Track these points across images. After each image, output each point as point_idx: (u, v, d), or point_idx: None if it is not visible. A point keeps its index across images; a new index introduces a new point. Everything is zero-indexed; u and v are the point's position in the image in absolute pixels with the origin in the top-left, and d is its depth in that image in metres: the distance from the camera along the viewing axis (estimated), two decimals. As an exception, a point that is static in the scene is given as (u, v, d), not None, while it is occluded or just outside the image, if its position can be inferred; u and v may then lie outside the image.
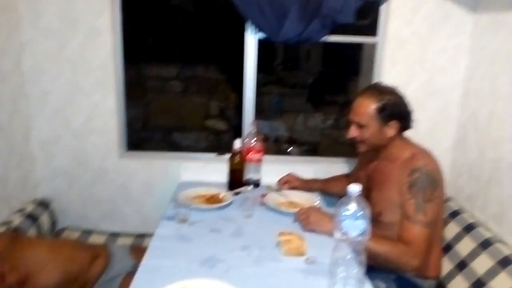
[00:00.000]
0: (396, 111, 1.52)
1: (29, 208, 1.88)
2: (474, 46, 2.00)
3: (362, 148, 1.62)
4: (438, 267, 1.64)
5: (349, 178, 1.92)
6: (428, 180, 1.47)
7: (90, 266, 1.61)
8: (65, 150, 2.10)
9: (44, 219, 1.92)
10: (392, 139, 1.56)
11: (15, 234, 1.66)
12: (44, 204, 1.97)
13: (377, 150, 1.62)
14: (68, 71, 2.00)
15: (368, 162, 1.70)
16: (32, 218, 1.83)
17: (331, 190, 1.95)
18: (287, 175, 1.96)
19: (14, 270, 1.41)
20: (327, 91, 3.76)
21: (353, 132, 1.59)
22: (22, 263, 1.46)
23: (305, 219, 1.55)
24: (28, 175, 2.03)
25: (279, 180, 1.95)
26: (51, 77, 2.00)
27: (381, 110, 1.51)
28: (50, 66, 1.99)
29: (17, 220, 1.74)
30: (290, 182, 1.93)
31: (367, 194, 1.62)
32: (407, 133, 2.14)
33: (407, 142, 1.60)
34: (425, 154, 1.55)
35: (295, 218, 1.62)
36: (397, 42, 2.02)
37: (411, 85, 2.07)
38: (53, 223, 2.01)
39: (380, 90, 1.55)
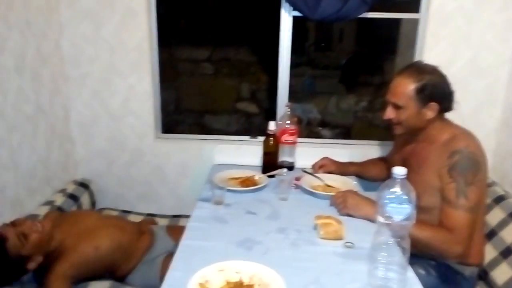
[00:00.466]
0: (436, 92, 1.44)
1: (70, 188, 1.94)
2: (525, 21, 1.86)
3: (398, 131, 1.55)
4: (481, 254, 1.58)
5: (386, 161, 1.86)
6: (470, 163, 1.38)
7: (137, 240, 1.66)
8: (103, 132, 2.14)
9: (85, 199, 1.98)
10: (431, 121, 1.48)
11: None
12: (84, 185, 2.03)
13: (414, 133, 1.55)
14: (105, 52, 2.03)
15: (404, 144, 1.63)
16: (74, 198, 1.90)
17: (368, 174, 1.90)
18: (322, 159, 1.92)
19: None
20: (361, 72, 3.64)
21: (389, 113, 1.52)
22: (74, 227, 1.53)
23: (342, 203, 1.52)
24: (68, 156, 2.09)
25: (314, 165, 1.92)
26: (88, 59, 2.04)
27: (420, 91, 1.43)
28: (87, 47, 2.02)
29: (59, 200, 1.81)
30: (325, 167, 1.89)
31: None
32: (449, 114, 2.06)
33: (448, 123, 1.52)
34: (466, 135, 1.47)
35: (331, 201, 1.59)
36: (440, 17, 1.92)
37: (455, 64, 1.97)
38: (93, 203, 2.07)
39: (420, 70, 1.47)
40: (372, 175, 1.87)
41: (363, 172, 1.91)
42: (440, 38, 1.94)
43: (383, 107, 1.56)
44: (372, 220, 1.38)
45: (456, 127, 1.51)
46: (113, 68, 2.05)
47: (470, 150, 1.40)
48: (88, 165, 2.18)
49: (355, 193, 1.58)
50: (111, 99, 2.09)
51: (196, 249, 1.28)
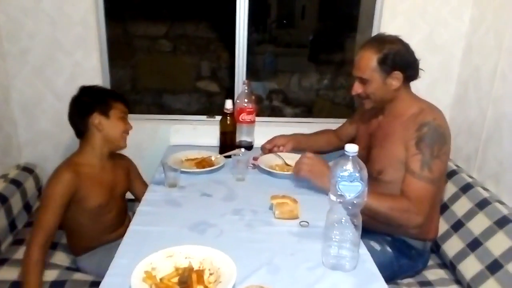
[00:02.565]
0: (399, 60, 1.43)
1: (12, 173, 1.81)
2: (479, -3, 1.88)
3: (368, 105, 1.53)
4: (436, 229, 1.62)
5: (336, 135, 1.85)
6: (437, 135, 1.39)
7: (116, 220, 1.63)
8: (48, 113, 2.00)
9: (29, 184, 1.86)
10: (398, 91, 1.47)
11: None
12: (28, 169, 1.91)
13: (382, 107, 1.54)
14: (47, 26, 1.87)
15: (370, 120, 1.63)
16: (16, 183, 1.77)
17: (318, 145, 1.88)
18: (274, 138, 1.84)
19: None
20: (323, 50, 3.62)
21: (357, 88, 1.50)
22: None
23: (307, 165, 1.47)
24: (10, 139, 1.95)
25: (263, 147, 1.85)
26: (28, 33, 1.88)
27: (382, 61, 1.42)
28: (27, 21, 1.86)
29: (0, 186, 1.68)
30: (277, 143, 1.82)
31: (367, 152, 1.56)
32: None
33: (415, 97, 1.52)
34: (434, 108, 1.48)
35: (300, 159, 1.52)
36: (397, -7, 1.90)
37: (412, 39, 1.91)
38: (39, 188, 1.95)
39: (381, 40, 1.46)
40: (320, 146, 1.87)
41: (311, 143, 1.88)
42: (397, 14, 1.93)
43: (344, 85, 1.53)
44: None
45: (423, 101, 1.52)
46: (57, 44, 1.90)
47: (437, 123, 1.41)
48: (33, 148, 2.04)
49: (325, 163, 1.51)
50: (56, 77, 1.95)
51: (145, 235, 1.22)
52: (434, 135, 1.39)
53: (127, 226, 1.66)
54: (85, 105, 1.50)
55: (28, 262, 1.34)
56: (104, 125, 1.49)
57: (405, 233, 1.51)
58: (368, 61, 1.43)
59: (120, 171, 1.65)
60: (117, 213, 1.61)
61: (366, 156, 1.55)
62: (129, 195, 2.00)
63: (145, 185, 1.70)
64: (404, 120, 1.46)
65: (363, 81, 1.47)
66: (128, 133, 1.58)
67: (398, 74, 1.44)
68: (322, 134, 1.93)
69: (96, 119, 1.48)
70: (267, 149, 1.84)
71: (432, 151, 1.37)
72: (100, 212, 1.53)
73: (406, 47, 1.46)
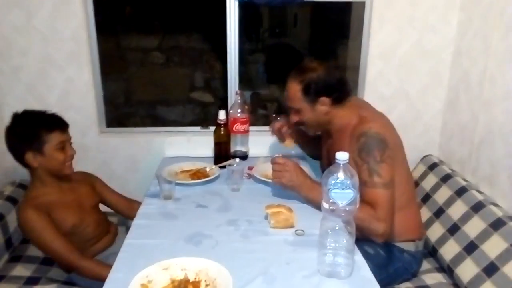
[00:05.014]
0: (321, 87, 1.47)
1: (8, 190, 1.80)
2: (465, 2, 1.90)
3: (310, 131, 1.60)
4: (419, 228, 1.60)
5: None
6: (375, 142, 1.39)
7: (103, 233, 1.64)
8: (42, 129, 2.00)
9: (24, 201, 1.84)
10: (331, 113, 1.50)
11: None
12: (23, 186, 1.89)
13: (325, 128, 1.58)
14: (39, 43, 1.88)
15: (326, 137, 1.65)
16: (12, 200, 1.76)
17: (310, 146, 1.90)
18: (276, 121, 1.80)
19: None
20: (316, 57, 3.65)
21: (293, 117, 1.57)
22: None
23: (287, 178, 1.46)
24: (4, 157, 1.93)
25: (271, 126, 1.81)
26: (20, 51, 1.89)
27: (306, 91, 1.47)
28: (18, 38, 1.87)
29: (-5, 203, 1.67)
30: (285, 127, 1.78)
31: None
32: (397, 96, 2.09)
33: (354, 108, 1.51)
34: (372, 116, 1.48)
35: (271, 161, 1.51)
36: (385, 1, 1.93)
37: (401, 46, 1.99)
38: (35, 204, 1.94)
39: (302, 69, 1.50)
40: (312, 150, 1.89)
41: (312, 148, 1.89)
42: (386, 21, 1.96)
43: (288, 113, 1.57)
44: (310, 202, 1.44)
45: (365, 109, 1.52)
46: (49, 60, 1.91)
47: (374, 131, 1.41)
48: (27, 165, 2.03)
49: (301, 170, 1.50)
50: (48, 93, 1.95)
51: (140, 248, 1.22)
52: (372, 142, 1.39)
53: (114, 233, 1.69)
54: (16, 147, 1.46)
55: (90, 271, 1.41)
56: (41, 161, 1.45)
57: (390, 239, 1.50)
58: (294, 92, 1.49)
59: (83, 187, 1.63)
60: (96, 226, 1.60)
61: None
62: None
63: (115, 194, 1.74)
64: (348, 134, 1.47)
65: (296, 111, 1.53)
66: (71, 159, 1.52)
67: (324, 100, 1.48)
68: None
69: (30, 157, 1.44)
70: (276, 127, 1.79)
71: (374, 158, 1.38)
72: (76, 231, 1.52)
73: (328, 70, 1.48)
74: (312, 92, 1.47)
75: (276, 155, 1.56)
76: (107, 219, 1.73)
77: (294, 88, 1.49)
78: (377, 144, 1.39)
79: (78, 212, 1.54)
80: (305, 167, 1.79)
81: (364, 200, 1.37)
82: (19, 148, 1.45)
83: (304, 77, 1.47)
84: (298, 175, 1.46)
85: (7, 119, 1.94)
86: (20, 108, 1.93)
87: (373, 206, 1.35)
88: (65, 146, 1.49)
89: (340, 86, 1.50)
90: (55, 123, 1.49)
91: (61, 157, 1.48)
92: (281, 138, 1.80)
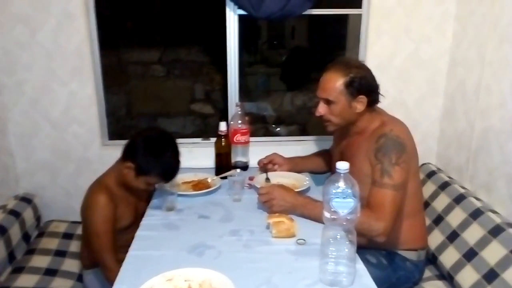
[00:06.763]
0: (364, 85, 1.48)
1: (11, 204, 1.82)
2: (460, 13, 1.95)
3: (330, 128, 1.58)
4: (423, 238, 1.63)
5: (330, 153, 1.89)
6: (394, 144, 1.42)
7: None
8: (45, 142, 2.02)
9: (28, 215, 1.87)
10: (360, 114, 1.52)
11: None
12: (26, 199, 1.91)
13: (346, 127, 1.58)
14: (42, 58, 1.91)
15: (340, 138, 1.67)
16: (15, 214, 1.78)
17: (314, 166, 1.92)
18: (271, 155, 1.89)
19: None
20: (313, 68, 3.69)
21: (321, 109, 1.54)
22: None
23: (268, 203, 1.48)
24: (7, 170, 1.96)
25: (260, 161, 1.88)
26: (24, 66, 1.92)
27: (349, 84, 1.47)
28: (22, 53, 1.90)
29: (-1, 217, 1.69)
30: (280, 167, 1.86)
31: None
32: (394, 106, 2.11)
33: (377, 113, 1.55)
34: (393, 121, 1.52)
35: (258, 200, 1.54)
36: (382, 12, 1.97)
37: (398, 56, 2.03)
38: (37, 218, 1.96)
39: (347, 64, 1.51)
40: (316, 167, 1.91)
41: (309, 166, 1.92)
42: (382, 32, 1.99)
43: (315, 104, 1.58)
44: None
45: (385, 115, 1.56)
46: (52, 75, 1.94)
47: (394, 133, 1.44)
48: (30, 178, 2.05)
49: (280, 188, 1.52)
50: (52, 107, 1.98)
51: (144, 260, 1.23)
52: (391, 144, 1.42)
53: None
54: (132, 151, 1.52)
55: (114, 277, 1.37)
56: (131, 176, 1.52)
57: (393, 246, 1.52)
58: (335, 84, 1.48)
59: (142, 192, 1.67)
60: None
61: None
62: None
63: None
64: (367, 136, 1.50)
65: (328, 103, 1.51)
66: (149, 187, 1.61)
67: (363, 98, 1.49)
68: (318, 155, 1.97)
69: (129, 166, 1.51)
70: (262, 163, 1.87)
71: (390, 159, 1.40)
72: (123, 233, 1.55)
73: (369, 72, 1.51)
74: (355, 88, 1.46)
75: (259, 186, 1.60)
76: None
77: (336, 80, 1.47)
78: (395, 147, 1.41)
79: (134, 216, 1.61)
80: (304, 175, 1.84)
81: (369, 200, 1.39)
82: (134, 154, 1.51)
83: (349, 71, 1.46)
84: (285, 199, 1.47)
85: (11, 133, 1.99)
86: (24, 122, 1.98)
87: (376, 207, 1.37)
88: (153, 184, 1.62)
89: (378, 90, 1.52)
90: (169, 178, 1.57)
91: (145, 187, 1.57)
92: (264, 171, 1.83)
